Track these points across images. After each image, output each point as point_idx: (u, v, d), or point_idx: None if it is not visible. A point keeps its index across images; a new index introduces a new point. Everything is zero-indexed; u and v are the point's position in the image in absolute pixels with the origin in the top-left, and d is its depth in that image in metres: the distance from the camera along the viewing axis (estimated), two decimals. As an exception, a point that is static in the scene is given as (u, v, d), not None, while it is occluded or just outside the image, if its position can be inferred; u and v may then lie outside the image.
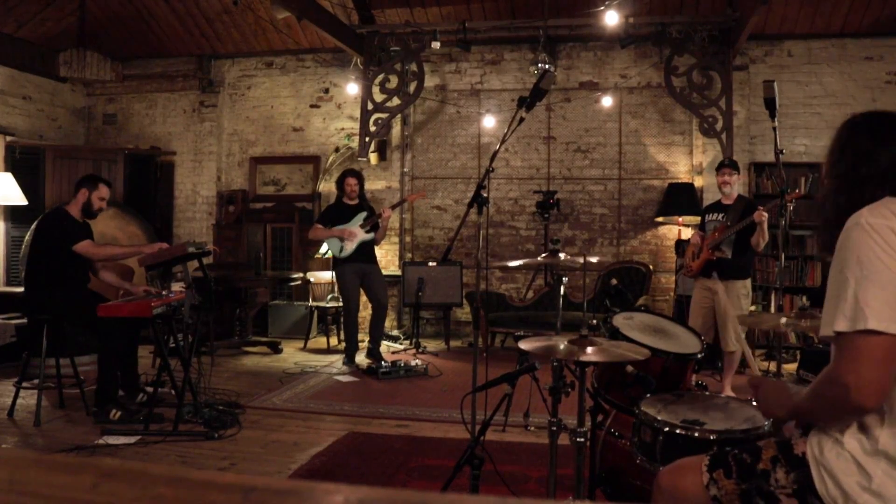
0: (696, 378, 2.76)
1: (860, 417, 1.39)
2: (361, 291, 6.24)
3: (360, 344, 6.41)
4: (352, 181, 6.13)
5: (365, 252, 6.10)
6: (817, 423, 1.49)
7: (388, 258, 7.95)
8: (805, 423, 1.59)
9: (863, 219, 1.39)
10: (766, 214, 4.55)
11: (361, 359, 6.26)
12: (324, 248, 7.32)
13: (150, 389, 4.44)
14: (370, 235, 6.09)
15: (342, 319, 6.44)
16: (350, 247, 5.99)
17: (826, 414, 1.46)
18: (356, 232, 6.02)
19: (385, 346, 6.90)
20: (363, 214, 6.14)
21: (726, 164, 4.96)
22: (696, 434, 2.08)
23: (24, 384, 4.48)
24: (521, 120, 3.08)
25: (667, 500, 1.68)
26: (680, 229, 7.24)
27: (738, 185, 4.98)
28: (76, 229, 4.35)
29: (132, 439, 3.82)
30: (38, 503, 0.46)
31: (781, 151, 3.72)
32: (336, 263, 6.13)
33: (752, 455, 1.57)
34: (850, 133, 1.58)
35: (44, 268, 4.27)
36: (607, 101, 7.48)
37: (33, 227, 6.47)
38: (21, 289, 5.82)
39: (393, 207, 6.40)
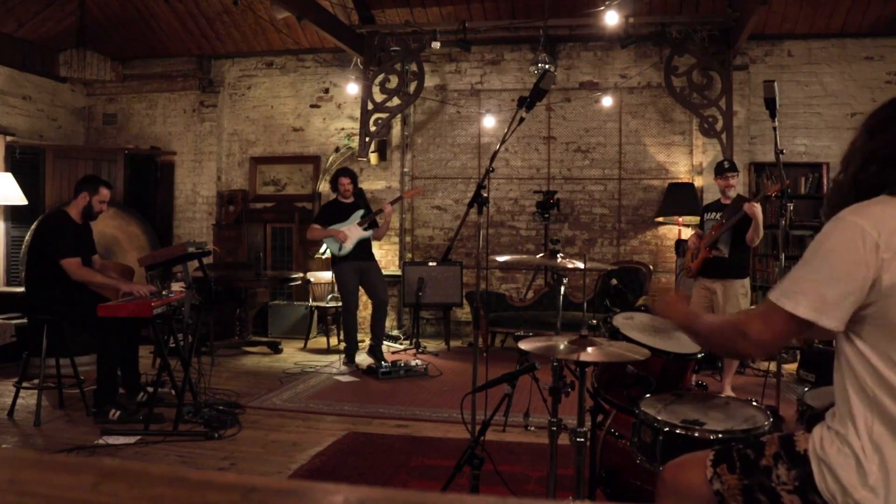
0: (696, 378, 2.76)
1: (838, 404, 1.48)
2: (361, 290, 6.25)
3: (359, 344, 6.42)
4: (344, 181, 6.14)
5: (363, 249, 6.11)
6: (703, 346, 1.66)
7: (388, 258, 7.95)
8: (808, 419, 1.61)
9: (845, 214, 1.45)
10: (757, 205, 4.52)
11: (361, 358, 6.26)
12: (323, 247, 7.32)
13: (150, 389, 4.44)
14: (368, 233, 6.11)
15: (342, 318, 6.45)
16: (349, 245, 6.01)
17: (716, 346, 1.69)
18: (351, 232, 6.03)
19: (385, 346, 6.91)
20: (360, 212, 6.15)
21: (727, 168, 4.92)
22: (696, 434, 2.08)
23: (24, 384, 4.47)
24: (521, 120, 3.08)
25: (670, 494, 1.69)
26: (680, 229, 7.24)
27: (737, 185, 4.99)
28: (72, 237, 4.32)
29: (132, 439, 3.82)
30: (38, 503, 0.46)
31: (782, 151, 3.72)
32: (335, 262, 6.14)
33: (755, 450, 1.58)
34: (890, 113, 1.55)
35: (43, 268, 4.26)
36: (607, 101, 7.48)
37: (34, 226, 6.51)
38: (21, 289, 5.82)
39: (392, 203, 6.34)
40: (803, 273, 1.45)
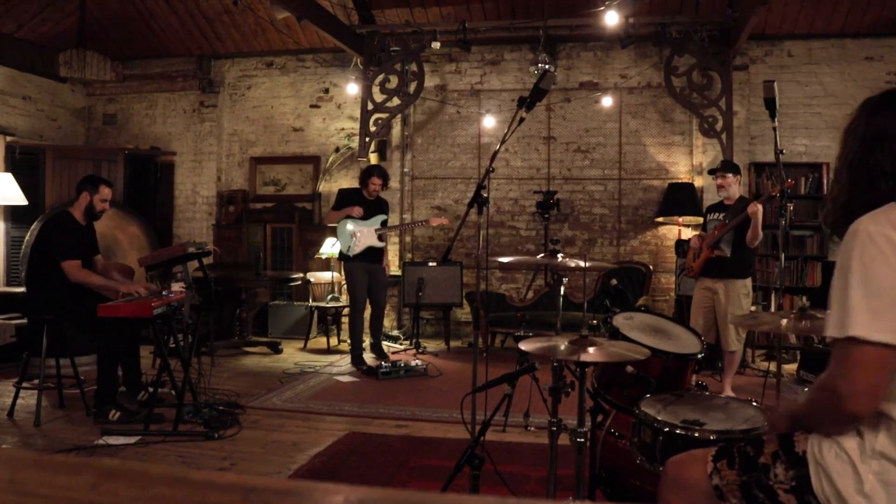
0: (696, 378, 2.76)
1: (855, 424, 1.41)
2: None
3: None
4: (377, 181, 6.05)
5: (375, 252, 6.10)
6: (817, 431, 1.49)
7: (387, 258, 7.95)
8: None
9: (862, 226, 1.40)
10: (759, 206, 4.54)
11: (365, 358, 6.25)
12: (327, 247, 7.31)
13: (150, 389, 4.44)
14: (381, 244, 6.09)
15: (350, 318, 6.38)
16: (358, 248, 5.97)
17: (822, 420, 1.48)
18: (365, 236, 5.98)
19: (385, 346, 6.91)
20: (382, 217, 6.13)
21: (719, 168, 4.99)
22: (696, 434, 2.08)
23: (24, 384, 4.47)
24: (521, 120, 3.07)
25: (671, 487, 1.71)
26: (680, 229, 7.24)
27: (738, 186, 4.98)
28: (74, 238, 4.33)
29: (132, 439, 3.82)
30: (38, 503, 0.46)
31: (781, 151, 3.71)
32: (345, 260, 6.09)
33: (754, 448, 1.59)
34: (868, 114, 1.52)
35: (45, 268, 4.27)
36: (607, 102, 7.48)
37: (35, 227, 6.52)
38: (21, 289, 5.82)
39: (414, 225, 6.73)
40: (846, 297, 1.37)
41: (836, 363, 1.39)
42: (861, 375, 1.34)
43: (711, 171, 5.05)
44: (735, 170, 4.99)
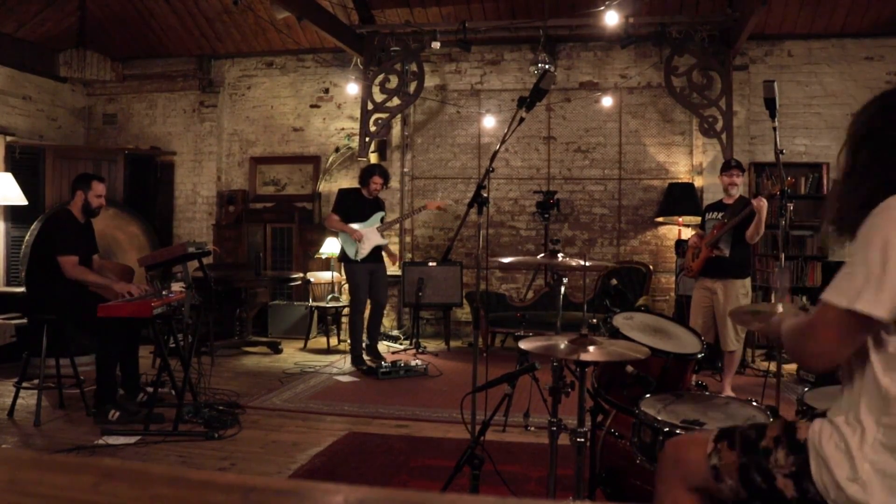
0: (696, 378, 2.77)
1: (854, 408, 1.45)
2: None
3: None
4: (378, 180, 6.02)
5: (377, 251, 6.09)
6: (787, 353, 1.59)
7: (393, 252, 7.95)
8: (810, 411, 1.63)
9: (889, 201, 1.40)
10: (765, 201, 4.54)
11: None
12: (327, 247, 7.31)
13: (150, 389, 4.44)
14: (384, 241, 6.10)
15: (350, 318, 6.34)
16: (364, 251, 5.96)
17: (790, 347, 1.59)
18: (369, 237, 5.98)
19: (385, 346, 6.90)
20: (380, 215, 6.13)
21: (734, 165, 4.96)
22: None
23: (24, 384, 4.47)
24: (521, 120, 3.07)
25: (669, 466, 1.73)
26: (680, 229, 7.24)
27: (741, 186, 5.01)
28: (74, 235, 4.33)
29: (132, 439, 3.82)
30: (38, 503, 0.46)
31: (782, 151, 3.71)
32: (347, 261, 6.05)
33: (757, 432, 1.61)
34: (892, 112, 1.52)
35: (45, 267, 4.27)
36: (607, 101, 7.48)
37: (35, 226, 6.52)
38: (21, 289, 5.82)
39: (414, 213, 6.77)
40: (849, 265, 1.42)
41: (818, 316, 1.45)
42: (832, 336, 1.42)
43: (725, 168, 4.98)
44: (744, 169, 5.02)
